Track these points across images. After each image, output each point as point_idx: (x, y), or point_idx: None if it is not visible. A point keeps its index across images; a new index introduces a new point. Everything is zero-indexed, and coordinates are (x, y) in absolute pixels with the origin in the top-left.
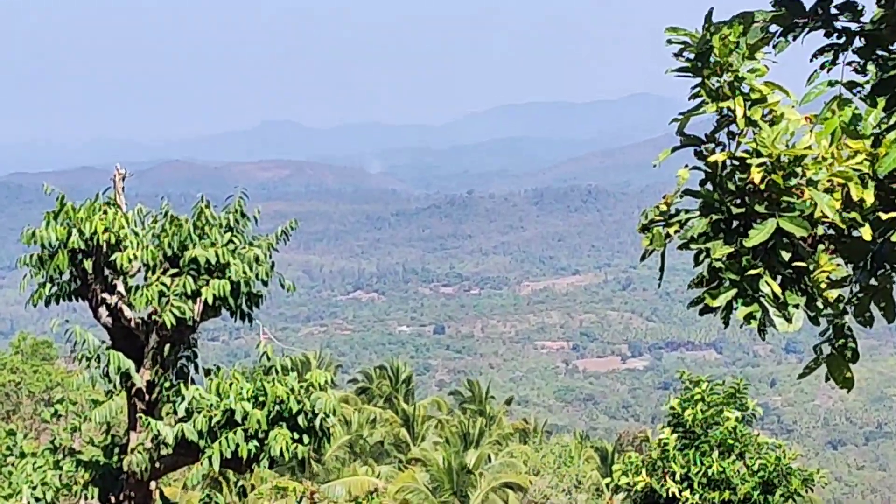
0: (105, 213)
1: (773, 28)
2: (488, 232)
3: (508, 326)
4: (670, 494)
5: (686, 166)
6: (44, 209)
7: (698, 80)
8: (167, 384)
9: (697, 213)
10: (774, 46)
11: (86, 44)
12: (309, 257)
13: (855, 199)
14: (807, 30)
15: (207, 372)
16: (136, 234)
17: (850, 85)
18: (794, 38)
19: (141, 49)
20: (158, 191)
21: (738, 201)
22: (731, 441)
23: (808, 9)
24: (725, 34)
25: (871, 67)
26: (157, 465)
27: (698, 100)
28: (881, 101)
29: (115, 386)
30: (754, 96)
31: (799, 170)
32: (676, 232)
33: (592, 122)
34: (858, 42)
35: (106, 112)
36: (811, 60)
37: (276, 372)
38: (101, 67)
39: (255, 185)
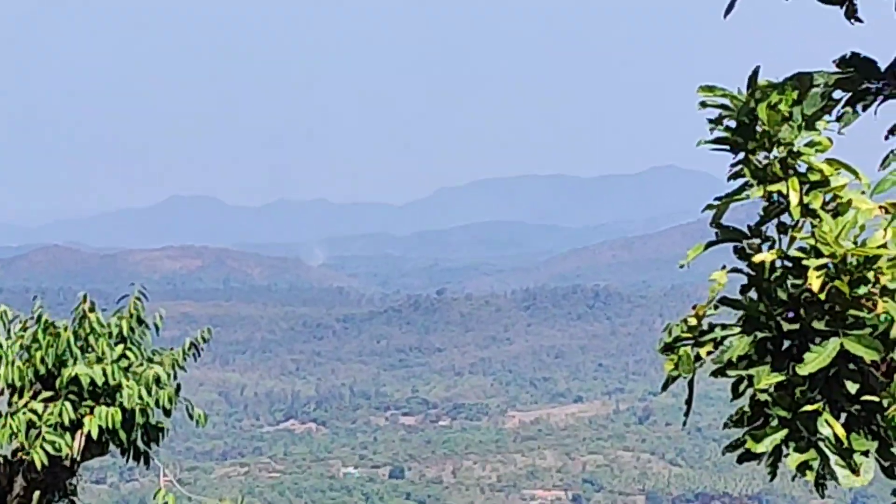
0: None
1: (838, 94)
2: (463, 345)
3: (489, 469)
4: None
5: (723, 267)
6: None
7: (741, 154)
8: None
9: (737, 329)
10: (839, 119)
11: None
12: (227, 375)
13: None
14: (881, 97)
15: None
16: None
17: None
18: (865, 109)
19: (9, 108)
20: (30, 285)
21: (791, 315)
22: None
23: (883, 70)
24: (774, 102)
25: None
26: None
27: (740, 181)
28: None
29: None
30: (813, 178)
31: (871, 275)
32: (710, 354)
33: (602, 204)
34: None
35: None
36: (887, 138)
37: None
38: None
39: (159, 278)
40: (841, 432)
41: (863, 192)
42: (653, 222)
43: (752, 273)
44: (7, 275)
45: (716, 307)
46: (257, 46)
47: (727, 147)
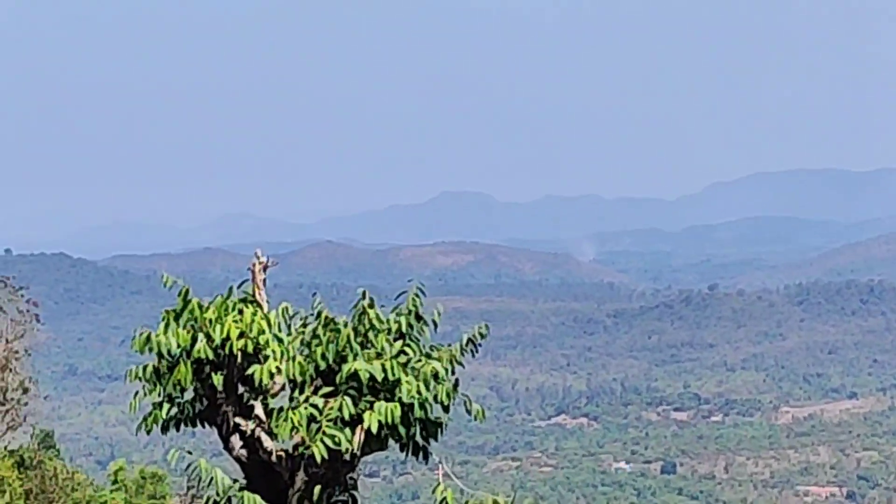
0: (241, 312)
1: None
2: (736, 340)
3: (762, 465)
4: None
5: None
6: (156, 302)
7: None
8: None
9: None
10: None
11: (211, 105)
12: (498, 370)
13: None
14: None
15: None
16: (281, 342)
17: None
18: None
19: (286, 106)
20: (303, 280)
21: None
22: None
23: None
24: None
25: None
26: None
27: None
28: None
29: None
30: None
31: None
32: None
33: (876, 198)
34: None
35: (238, 184)
36: None
37: None
38: (231, 130)
39: (431, 273)
40: None
41: None
42: None
43: None
44: (281, 270)
45: None
46: (535, 45)
47: None
